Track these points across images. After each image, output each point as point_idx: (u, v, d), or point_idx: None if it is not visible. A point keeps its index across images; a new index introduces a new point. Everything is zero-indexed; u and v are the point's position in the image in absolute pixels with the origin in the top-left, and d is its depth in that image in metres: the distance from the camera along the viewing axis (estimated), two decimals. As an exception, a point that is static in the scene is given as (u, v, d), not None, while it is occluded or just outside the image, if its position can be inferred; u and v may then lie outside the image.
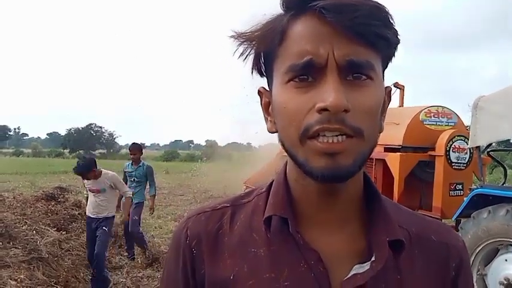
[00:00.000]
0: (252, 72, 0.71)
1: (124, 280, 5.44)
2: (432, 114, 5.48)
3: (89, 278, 5.05)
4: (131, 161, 6.51)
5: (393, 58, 0.67)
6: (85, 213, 5.97)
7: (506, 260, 3.95)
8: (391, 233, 0.67)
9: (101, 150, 63.66)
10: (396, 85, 6.25)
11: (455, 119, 5.62)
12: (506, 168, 5.29)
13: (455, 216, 4.56)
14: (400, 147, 5.30)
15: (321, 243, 0.67)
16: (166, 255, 0.80)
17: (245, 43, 0.68)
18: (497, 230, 3.90)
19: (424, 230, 0.74)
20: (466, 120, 5.84)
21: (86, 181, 5.15)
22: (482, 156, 4.61)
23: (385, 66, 0.67)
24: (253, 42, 0.68)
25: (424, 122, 5.41)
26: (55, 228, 5.63)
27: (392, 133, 5.27)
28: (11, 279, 3.96)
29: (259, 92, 0.74)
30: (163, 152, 54.49)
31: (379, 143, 0.68)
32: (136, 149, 6.54)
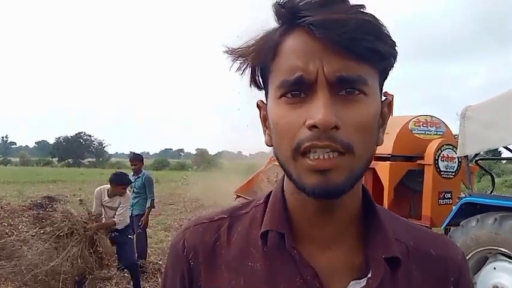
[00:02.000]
0: (251, 85, 0.71)
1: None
2: (421, 123, 5.54)
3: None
4: (132, 172, 6.46)
5: (391, 70, 0.67)
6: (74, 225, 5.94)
7: (495, 268, 3.98)
8: (388, 249, 0.67)
9: (90, 159, 63.14)
10: (385, 94, 6.30)
11: (443, 128, 5.70)
12: (494, 176, 5.34)
13: (444, 225, 4.59)
14: (389, 156, 5.34)
15: (318, 259, 0.67)
16: (165, 266, 0.80)
17: (239, 59, 0.68)
18: (486, 239, 3.93)
19: (422, 243, 0.73)
20: (455, 128, 5.91)
21: (104, 198, 5.23)
22: (470, 165, 4.66)
23: (383, 79, 0.67)
24: (248, 58, 0.68)
25: (413, 131, 5.47)
26: (43, 239, 5.54)
27: (382, 142, 5.31)
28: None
29: (257, 105, 0.74)
30: (153, 161, 54.14)
31: None
32: (137, 159, 6.51)
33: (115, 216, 5.34)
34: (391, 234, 0.70)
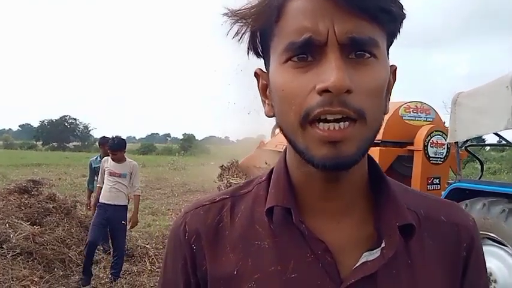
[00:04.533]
0: (248, 53, 0.67)
1: (102, 275, 5.34)
2: (411, 109, 5.57)
3: (63, 274, 4.93)
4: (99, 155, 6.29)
5: (398, 34, 0.63)
6: (60, 206, 5.82)
7: (482, 253, 4.04)
8: (401, 217, 0.64)
9: (75, 143, 62.37)
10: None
11: (433, 115, 5.73)
12: (483, 162, 5.39)
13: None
14: (379, 141, 5.35)
15: (327, 232, 0.64)
16: (164, 252, 0.76)
17: (239, 21, 0.64)
18: (474, 224, 3.98)
19: (433, 211, 0.71)
20: (442, 116, 5.96)
21: (107, 165, 5.08)
22: (459, 151, 4.69)
23: (390, 43, 0.63)
24: (248, 20, 0.63)
25: (403, 117, 5.49)
26: (28, 222, 5.47)
27: (372, 127, 5.33)
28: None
29: (255, 74, 0.70)
30: (140, 145, 53.71)
31: None
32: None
33: (137, 189, 5.26)
34: (403, 203, 0.67)
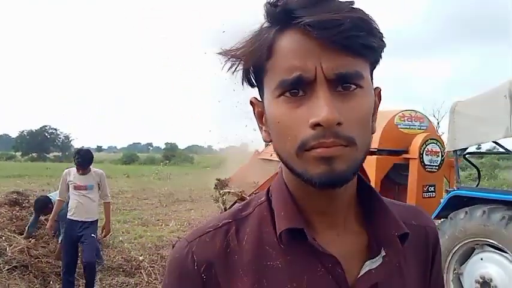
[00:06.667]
0: (243, 83, 0.72)
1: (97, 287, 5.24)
2: (406, 118, 5.63)
3: (59, 287, 4.83)
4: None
5: (381, 59, 0.69)
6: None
7: (481, 259, 4.10)
8: (398, 227, 0.71)
9: (55, 153, 61.28)
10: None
11: (427, 123, 5.82)
12: (480, 170, 5.50)
13: (432, 217, 4.69)
14: (375, 150, 5.40)
15: (331, 246, 0.69)
16: (163, 286, 0.74)
17: (232, 59, 0.69)
18: (474, 230, 4.05)
19: (405, 216, 0.77)
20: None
21: (71, 178, 4.80)
22: (453, 159, 4.77)
23: (373, 69, 0.69)
24: (241, 59, 0.69)
25: (399, 126, 5.55)
26: (22, 235, 5.36)
27: (368, 136, 5.39)
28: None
29: (251, 103, 0.75)
30: (122, 155, 53.06)
31: None
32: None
33: (106, 197, 5.01)
34: (395, 214, 0.73)
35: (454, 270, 4.30)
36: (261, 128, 0.74)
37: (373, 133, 0.69)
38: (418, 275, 0.77)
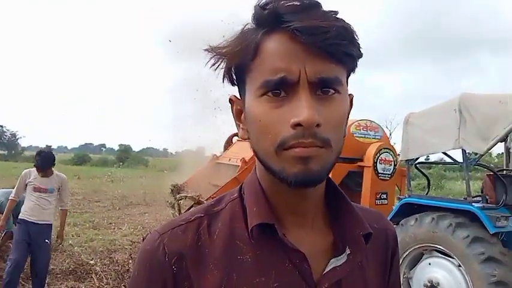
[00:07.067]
0: (223, 80, 0.74)
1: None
2: (361, 127, 5.82)
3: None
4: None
5: (356, 68, 0.73)
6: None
7: (430, 264, 4.30)
8: (362, 227, 0.75)
9: (1, 152, 58.18)
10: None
11: (381, 133, 6.03)
12: (430, 179, 5.75)
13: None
14: (332, 157, 5.53)
15: (300, 243, 0.72)
16: (133, 277, 0.74)
17: (217, 56, 0.72)
18: (423, 236, 4.24)
19: (369, 219, 0.80)
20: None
21: (31, 179, 4.64)
22: (404, 168, 4.98)
23: (349, 76, 0.73)
24: (227, 56, 0.71)
25: (355, 135, 5.72)
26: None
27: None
28: None
29: (230, 100, 0.78)
30: (73, 156, 51.14)
31: None
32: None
33: (65, 204, 4.90)
34: (361, 215, 0.77)
35: (404, 274, 4.48)
36: (238, 126, 0.76)
37: (344, 136, 0.72)
38: (378, 275, 0.81)
